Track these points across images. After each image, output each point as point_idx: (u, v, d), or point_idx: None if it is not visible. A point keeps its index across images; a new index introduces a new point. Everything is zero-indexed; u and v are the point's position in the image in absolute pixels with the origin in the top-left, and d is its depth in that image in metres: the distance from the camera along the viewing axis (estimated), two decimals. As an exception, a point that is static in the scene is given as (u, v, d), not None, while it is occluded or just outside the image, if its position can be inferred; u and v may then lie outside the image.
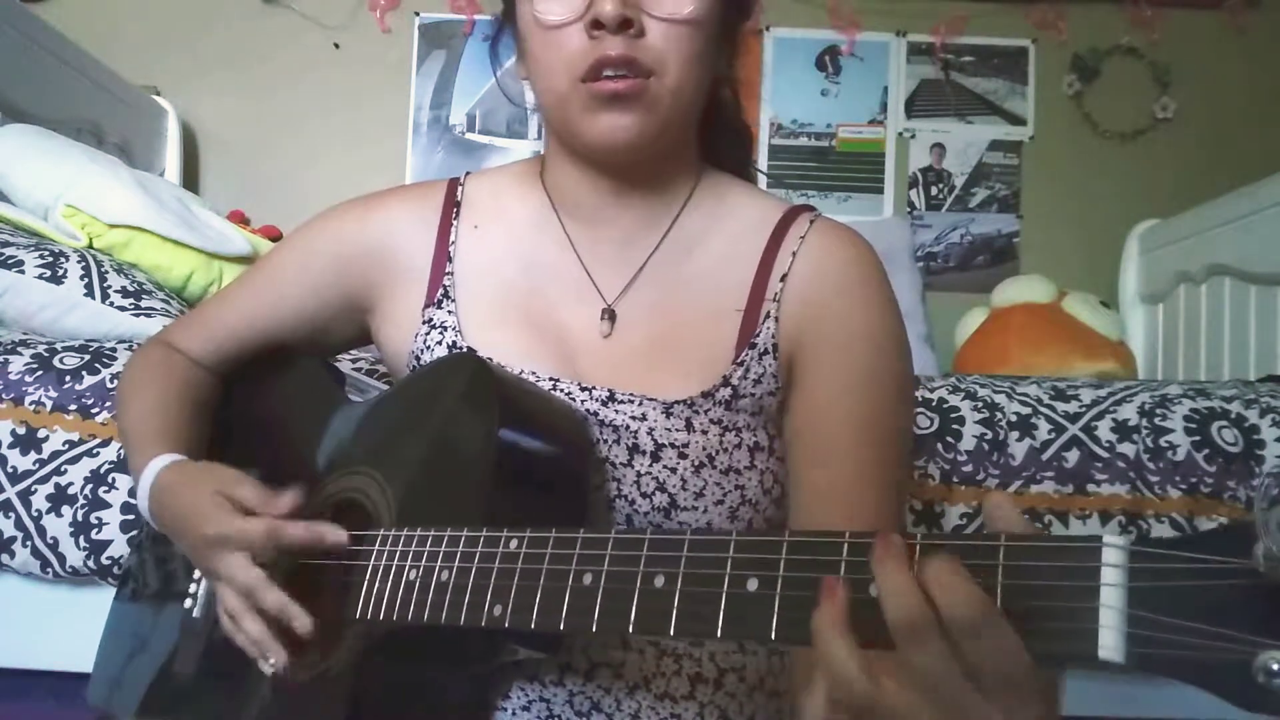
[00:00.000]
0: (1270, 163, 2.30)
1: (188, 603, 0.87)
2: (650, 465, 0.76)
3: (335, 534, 0.73)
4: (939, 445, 1.30)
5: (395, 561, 0.68)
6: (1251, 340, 2.15)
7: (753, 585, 0.50)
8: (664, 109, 0.75)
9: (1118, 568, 0.41)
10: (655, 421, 0.76)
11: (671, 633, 0.53)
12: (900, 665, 0.46)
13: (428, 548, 0.67)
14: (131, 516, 1.24)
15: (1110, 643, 0.41)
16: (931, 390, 1.37)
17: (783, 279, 0.79)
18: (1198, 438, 1.31)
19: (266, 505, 0.75)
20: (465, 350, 0.81)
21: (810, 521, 0.77)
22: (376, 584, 0.69)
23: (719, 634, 0.51)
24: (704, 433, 0.77)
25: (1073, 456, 1.31)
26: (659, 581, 0.54)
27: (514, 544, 0.62)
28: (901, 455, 0.80)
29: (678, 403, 0.77)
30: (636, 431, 0.76)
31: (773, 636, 0.49)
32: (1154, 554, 0.41)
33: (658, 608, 0.54)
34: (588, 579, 0.57)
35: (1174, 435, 1.31)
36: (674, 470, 0.76)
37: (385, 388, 1.00)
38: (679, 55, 0.75)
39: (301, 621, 0.71)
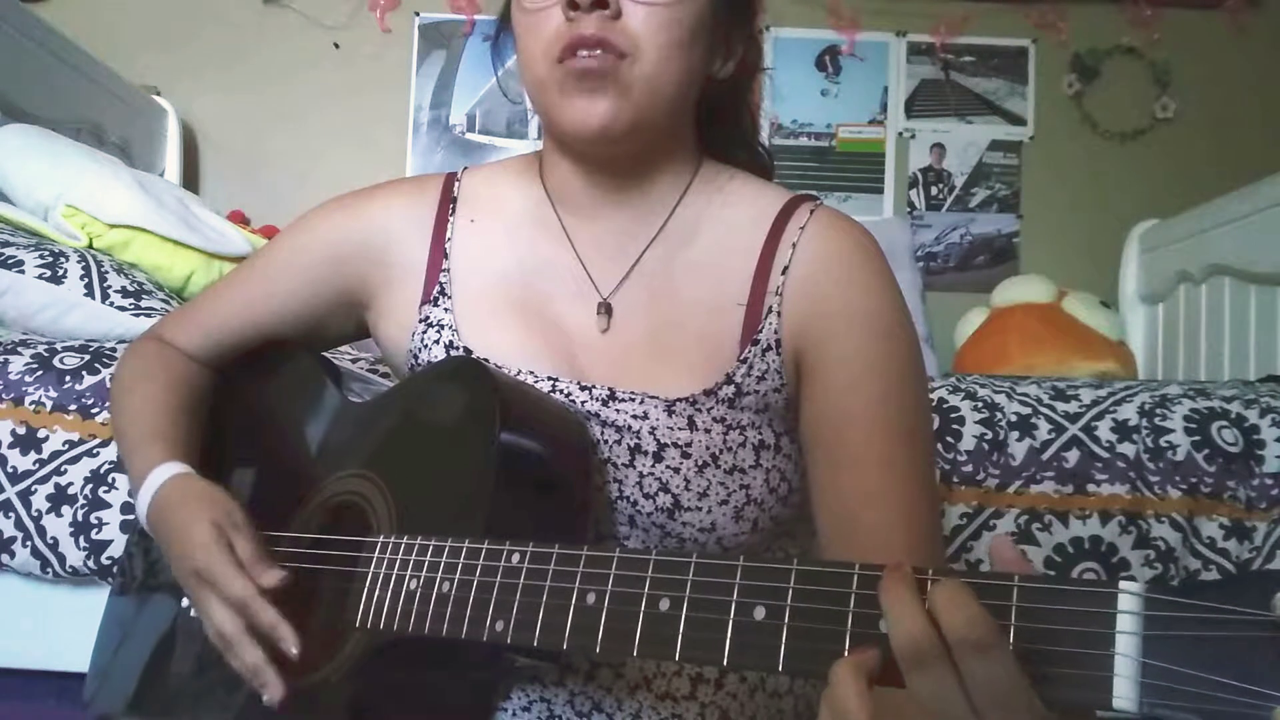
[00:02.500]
0: (1270, 163, 2.30)
1: (185, 602, 0.87)
2: (653, 466, 0.75)
3: (289, 643, 0.71)
4: (939, 445, 1.30)
5: (395, 570, 0.68)
6: (1251, 340, 2.15)
7: (760, 614, 0.50)
8: (637, 95, 0.74)
9: (1133, 615, 0.41)
10: (657, 420, 0.76)
11: (677, 658, 0.53)
12: (908, 699, 0.45)
13: (428, 558, 0.66)
14: (132, 516, 1.24)
15: (1124, 692, 0.40)
16: (931, 390, 1.36)
17: (784, 272, 0.78)
18: (1198, 438, 1.30)
19: (255, 567, 0.74)
20: (461, 350, 0.81)
21: (843, 529, 0.75)
22: (376, 592, 0.69)
23: (725, 661, 0.51)
24: (707, 431, 0.76)
25: (1073, 456, 1.30)
26: (664, 605, 0.54)
27: (515, 558, 0.61)
28: (925, 440, 0.78)
29: (680, 400, 0.76)
30: (639, 431, 0.76)
31: (780, 667, 0.49)
32: (1170, 601, 0.40)
33: (663, 632, 0.53)
34: (591, 598, 0.57)
35: (1174, 435, 1.31)
36: (677, 470, 0.75)
37: (383, 383, 1.00)
38: (655, 40, 0.74)
39: (289, 644, 0.71)
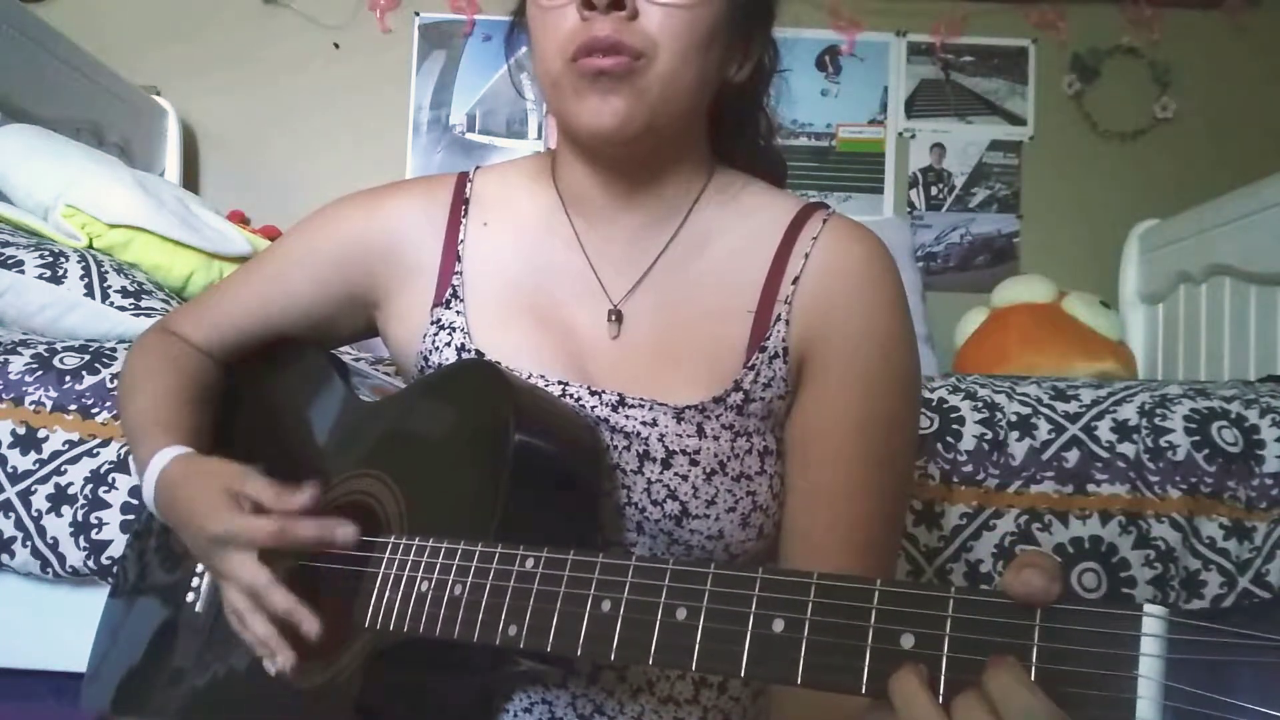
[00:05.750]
0: (1270, 163, 2.30)
1: (190, 597, 0.87)
2: (661, 473, 0.75)
3: (345, 530, 0.71)
4: (939, 445, 1.30)
5: (406, 571, 0.67)
6: (1251, 340, 2.15)
7: (778, 626, 0.50)
8: (653, 96, 0.73)
9: (1157, 638, 0.41)
10: (666, 427, 0.76)
11: (694, 668, 0.52)
12: None
13: (440, 559, 0.66)
14: (131, 516, 1.24)
15: (1148, 715, 0.40)
16: (931, 390, 1.36)
17: (795, 281, 0.78)
18: (1198, 438, 1.30)
19: (278, 502, 0.72)
20: (474, 353, 0.81)
21: (795, 525, 0.77)
22: (386, 593, 0.68)
23: (743, 673, 0.50)
24: (715, 438, 0.76)
25: (1073, 456, 1.30)
26: (681, 614, 0.53)
27: (530, 563, 0.61)
28: (901, 463, 0.79)
29: (689, 408, 0.76)
30: (647, 438, 0.75)
31: (799, 680, 0.48)
32: (1195, 625, 0.40)
33: (679, 642, 0.53)
34: (606, 606, 0.56)
35: (1174, 435, 1.31)
36: (685, 478, 0.75)
37: (387, 378, 1.00)
38: (671, 41, 0.73)
39: (309, 624, 0.69)
